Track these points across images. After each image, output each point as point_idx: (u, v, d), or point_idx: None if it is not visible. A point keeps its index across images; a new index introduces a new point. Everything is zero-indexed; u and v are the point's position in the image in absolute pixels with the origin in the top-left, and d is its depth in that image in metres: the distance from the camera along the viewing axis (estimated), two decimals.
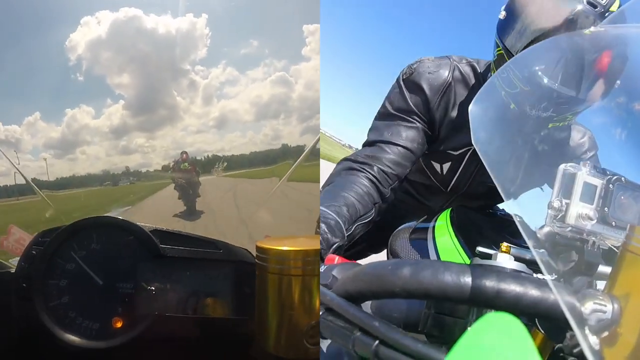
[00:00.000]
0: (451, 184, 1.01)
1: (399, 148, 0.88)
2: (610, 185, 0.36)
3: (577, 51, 0.53)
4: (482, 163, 1.10)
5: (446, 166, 1.00)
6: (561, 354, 0.38)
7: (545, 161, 0.46)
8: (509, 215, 0.83)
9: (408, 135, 0.89)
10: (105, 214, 0.60)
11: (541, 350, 0.39)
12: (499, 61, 0.81)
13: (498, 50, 0.82)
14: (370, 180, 0.83)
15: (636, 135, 0.40)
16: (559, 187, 0.37)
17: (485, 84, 0.41)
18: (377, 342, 0.34)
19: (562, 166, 0.37)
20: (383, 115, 0.94)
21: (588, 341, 0.28)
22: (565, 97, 0.66)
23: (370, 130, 0.94)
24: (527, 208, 0.37)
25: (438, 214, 0.85)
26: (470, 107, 0.40)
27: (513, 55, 0.77)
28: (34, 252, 0.56)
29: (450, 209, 0.85)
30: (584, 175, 0.36)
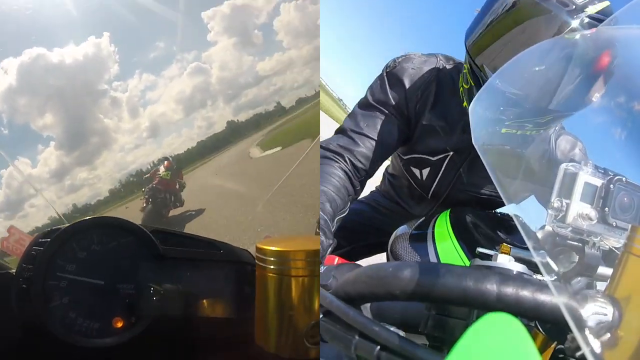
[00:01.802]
0: (432, 190, 1.01)
1: (372, 142, 0.87)
2: (611, 185, 0.36)
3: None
4: (461, 171, 1.08)
5: (425, 172, 0.99)
6: (561, 355, 0.38)
7: (526, 176, 0.45)
8: (508, 215, 0.83)
9: (383, 129, 0.89)
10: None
11: (542, 350, 0.39)
12: (466, 60, 0.81)
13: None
14: (344, 171, 0.84)
15: (630, 137, 0.39)
16: (559, 187, 0.37)
17: (485, 84, 0.41)
18: (378, 347, 0.34)
19: (562, 165, 0.37)
20: (363, 105, 0.93)
21: (589, 344, 0.28)
22: (507, 99, 0.66)
23: (348, 116, 0.94)
24: (527, 209, 0.37)
25: (437, 215, 0.85)
26: (471, 107, 0.39)
27: (468, 53, 0.77)
28: (34, 252, 0.56)
29: (449, 210, 0.85)
30: (585, 175, 0.36)
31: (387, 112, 0.90)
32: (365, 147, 0.87)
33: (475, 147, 0.38)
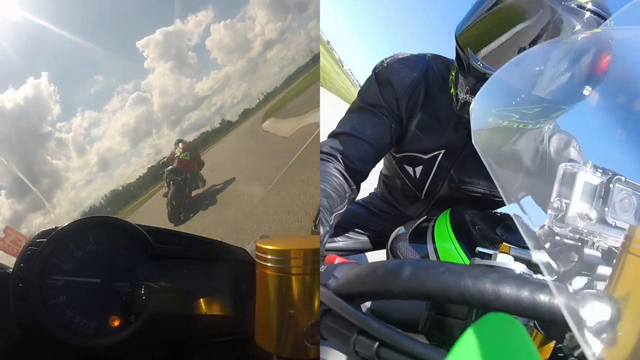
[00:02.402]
0: (425, 188, 1.01)
1: (364, 143, 0.88)
2: (611, 184, 0.36)
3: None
4: (454, 168, 1.11)
5: (418, 169, 1.00)
6: (560, 355, 0.38)
7: (522, 174, 0.45)
8: (508, 215, 0.83)
9: (374, 130, 0.89)
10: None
11: (541, 350, 0.39)
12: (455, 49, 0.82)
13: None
14: (338, 170, 0.85)
15: (630, 136, 0.39)
16: (558, 186, 0.37)
17: (487, 82, 0.41)
18: (377, 343, 0.34)
19: (562, 165, 0.37)
20: (354, 108, 0.94)
21: (588, 343, 0.28)
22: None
23: (341, 120, 0.94)
24: (527, 208, 0.37)
25: (437, 215, 0.85)
26: (472, 106, 0.39)
27: (457, 40, 0.79)
28: (30, 252, 0.55)
29: (449, 210, 0.85)
30: (584, 174, 0.36)
31: (378, 113, 0.90)
32: (357, 149, 0.87)
33: (475, 147, 0.38)
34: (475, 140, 0.38)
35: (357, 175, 0.88)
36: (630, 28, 0.40)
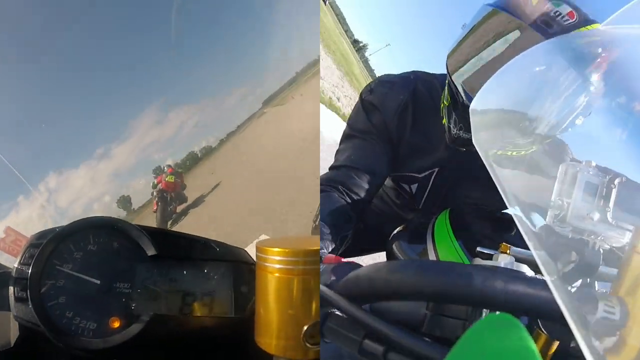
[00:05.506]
0: (422, 202, 1.01)
1: (362, 173, 0.87)
2: (612, 184, 0.36)
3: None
4: (449, 185, 1.11)
5: (414, 187, 1.00)
6: (564, 354, 0.38)
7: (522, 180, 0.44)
8: (508, 214, 0.83)
9: (369, 159, 0.88)
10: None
11: (544, 350, 0.39)
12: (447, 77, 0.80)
13: None
14: (342, 199, 0.84)
15: (631, 136, 0.39)
16: (559, 186, 0.36)
17: (486, 83, 0.41)
18: (386, 346, 0.33)
19: (563, 165, 0.37)
20: (345, 137, 0.93)
21: (591, 344, 0.28)
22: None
23: (337, 152, 0.93)
24: (527, 208, 0.37)
25: (437, 215, 0.85)
26: (472, 106, 0.39)
27: (448, 71, 0.77)
28: (30, 252, 0.55)
29: (449, 209, 0.85)
30: (585, 174, 0.36)
31: (369, 139, 0.90)
32: (358, 178, 0.87)
33: (476, 147, 0.38)
34: (476, 141, 0.38)
35: (359, 205, 0.88)
36: (630, 27, 0.40)
